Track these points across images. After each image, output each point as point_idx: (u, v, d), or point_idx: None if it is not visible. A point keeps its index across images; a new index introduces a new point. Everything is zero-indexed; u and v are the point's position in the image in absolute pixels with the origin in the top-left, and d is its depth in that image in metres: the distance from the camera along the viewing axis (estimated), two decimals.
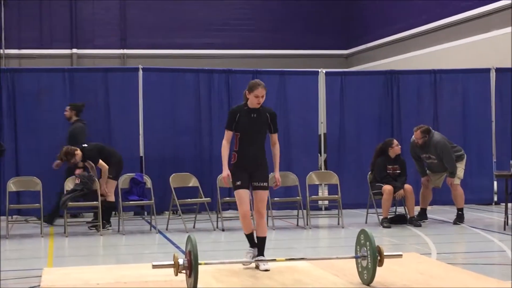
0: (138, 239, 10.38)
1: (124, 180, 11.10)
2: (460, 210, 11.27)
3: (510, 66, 14.05)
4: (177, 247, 9.15)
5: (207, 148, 12.71)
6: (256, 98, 6.95)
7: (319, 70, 13.51)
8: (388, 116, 13.46)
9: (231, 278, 6.52)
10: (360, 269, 6.29)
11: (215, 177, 11.34)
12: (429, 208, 11.81)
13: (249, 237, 7.09)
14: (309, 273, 6.75)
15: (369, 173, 11.55)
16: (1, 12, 21.64)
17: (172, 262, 5.90)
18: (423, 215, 11.42)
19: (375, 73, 14.88)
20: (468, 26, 17.24)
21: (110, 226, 10.96)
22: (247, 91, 7.00)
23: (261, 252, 6.99)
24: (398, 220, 11.32)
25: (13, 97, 12.14)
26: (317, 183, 12.09)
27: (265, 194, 7.10)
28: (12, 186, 10.93)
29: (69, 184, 10.74)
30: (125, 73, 13.27)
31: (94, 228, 10.84)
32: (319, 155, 13.70)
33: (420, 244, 9.28)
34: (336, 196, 11.42)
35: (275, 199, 11.53)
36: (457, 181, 11.25)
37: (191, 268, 5.80)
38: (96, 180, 10.73)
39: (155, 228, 10.86)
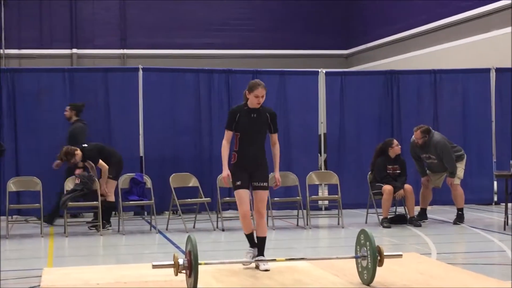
0: (138, 239, 10.38)
1: (124, 180, 11.10)
2: (460, 210, 11.27)
3: (510, 66, 14.05)
4: (177, 247, 9.15)
5: (207, 148, 12.71)
6: (256, 98, 6.94)
7: (319, 70, 13.51)
8: (388, 116, 13.46)
9: (231, 278, 6.52)
10: (360, 269, 6.29)
11: (215, 177, 11.34)
12: (429, 208, 11.81)
13: (249, 237, 7.09)
14: (309, 273, 6.75)
15: (369, 173, 11.55)
16: (1, 12, 21.64)
17: (172, 262, 5.90)
18: (423, 215, 11.42)
19: (375, 73, 14.88)
20: (468, 26, 17.24)
21: (110, 226, 10.96)
22: (247, 91, 7.00)
23: (261, 252, 6.98)
24: (398, 220, 11.32)
25: (13, 97, 12.14)
26: (317, 183, 12.09)
27: (265, 194, 7.10)
28: (12, 186, 10.92)
29: (69, 184, 10.74)
30: (125, 73, 13.27)
31: (94, 228, 10.83)
32: (319, 155, 13.69)
33: (420, 244, 9.28)
34: (336, 196, 11.42)
35: (275, 199, 11.53)
36: (457, 181, 11.25)
37: (191, 268, 5.80)
38: (96, 180, 10.73)
39: (155, 228, 10.86)
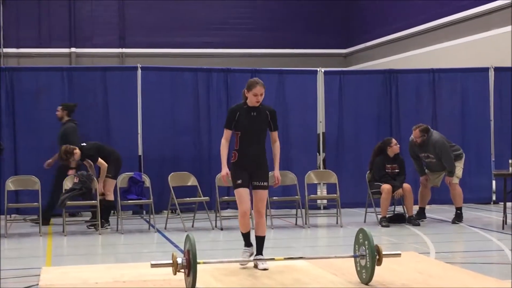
0: (136, 238, 10.38)
1: (123, 179, 11.10)
2: (459, 209, 11.27)
3: (509, 65, 14.06)
4: (176, 246, 9.14)
5: (206, 147, 12.72)
6: (255, 97, 6.94)
7: (318, 69, 13.51)
8: (387, 115, 13.47)
9: (230, 277, 6.52)
10: (358, 268, 6.29)
11: (213, 176, 11.33)
12: (427, 207, 11.81)
13: (246, 236, 7.09)
14: (308, 272, 6.75)
15: (368, 172, 11.55)
16: (0, 11, 21.62)
17: (171, 261, 5.90)
18: (421, 214, 11.42)
19: (374, 72, 14.89)
20: (467, 25, 17.23)
21: (109, 225, 10.95)
22: (245, 90, 6.99)
23: (260, 251, 6.98)
24: (396, 219, 11.31)
25: (11, 96, 12.14)
26: (315, 182, 12.08)
27: (265, 193, 7.09)
28: (10, 185, 10.92)
29: (67, 183, 10.73)
30: (123, 72, 13.27)
31: (92, 227, 10.83)
32: (317, 154, 13.69)
33: (418, 243, 9.28)
34: (335, 195, 11.42)
35: (274, 198, 11.52)
36: (455, 180, 11.25)
37: (190, 267, 5.80)
38: (95, 179, 10.73)
39: (153, 227, 10.85)
